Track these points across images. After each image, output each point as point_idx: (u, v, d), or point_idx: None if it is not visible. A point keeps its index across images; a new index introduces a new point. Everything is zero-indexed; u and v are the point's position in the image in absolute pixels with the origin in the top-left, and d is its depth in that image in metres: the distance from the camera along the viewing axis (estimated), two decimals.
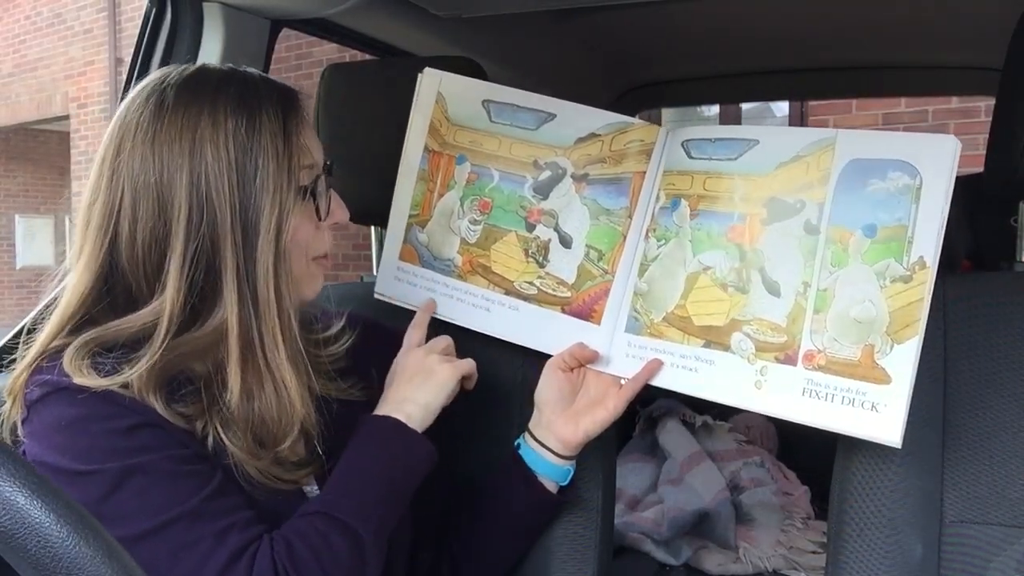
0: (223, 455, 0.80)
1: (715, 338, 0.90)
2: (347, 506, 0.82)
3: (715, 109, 4.25)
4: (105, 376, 0.76)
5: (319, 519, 0.81)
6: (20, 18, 9.00)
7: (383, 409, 0.91)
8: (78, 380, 0.75)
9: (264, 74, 0.87)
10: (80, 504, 0.71)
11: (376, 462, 0.86)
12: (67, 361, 0.76)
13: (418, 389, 0.91)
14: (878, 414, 0.82)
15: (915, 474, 0.92)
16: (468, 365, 0.95)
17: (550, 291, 1.00)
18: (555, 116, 1.00)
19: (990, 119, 1.01)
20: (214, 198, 0.79)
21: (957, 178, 0.83)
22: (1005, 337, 0.93)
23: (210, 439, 0.79)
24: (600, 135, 0.98)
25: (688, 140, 0.95)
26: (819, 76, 2.14)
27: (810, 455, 1.69)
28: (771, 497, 1.73)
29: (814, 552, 1.63)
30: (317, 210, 0.85)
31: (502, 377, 1.01)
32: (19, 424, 0.78)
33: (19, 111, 9.21)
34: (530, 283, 1.01)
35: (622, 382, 0.96)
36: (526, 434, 0.98)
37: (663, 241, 0.94)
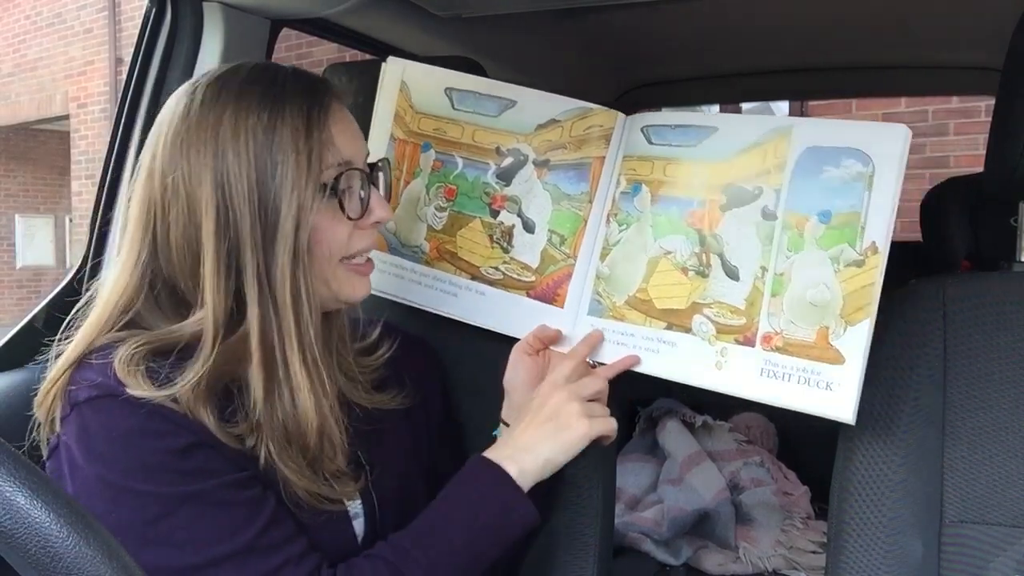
0: (273, 475, 0.79)
1: (676, 321, 0.92)
2: (419, 562, 0.79)
3: (715, 109, 4.25)
4: (159, 386, 0.74)
5: (385, 569, 0.79)
6: (20, 18, 9.00)
7: (500, 450, 0.87)
8: (133, 390, 0.74)
9: (298, 68, 0.86)
10: (125, 522, 0.72)
11: (466, 516, 0.83)
12: (120, 366, 0.75)
13: (545, 440, 0.86)
14: (832, 392, 0.84)
15: (915, 474, 0.92)
16: (608, 425, 0.88)
17: (515, 276, 1.01)
18: (516, 103, 1.01)
19: (990, 119, 1.01)
20: (235, 198, 0.78)
21: (957, 178, 0.83)
22: (1005, 337, 0.93)
23: (262, 459, 0.78)
24: (560, 121, 0.99)
25: (648, 126, 0.96)
26: (819, 76, 2.14)
27: (810, 455, 1.69)
28: (771, 497, 1.72)
29: (814, 552, 1.63)
30: (342, 207, 0.82)
31: (499, 372, 1.01)
32: (58, 420, 0.77)
33: (19, 111, 9.21)
34: (495, 268, 1.02)
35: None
36: (500, 423, 0.98)
37: (624, 226, 0.96)
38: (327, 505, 0.82)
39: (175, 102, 0.82)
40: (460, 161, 1.03)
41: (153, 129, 0.83)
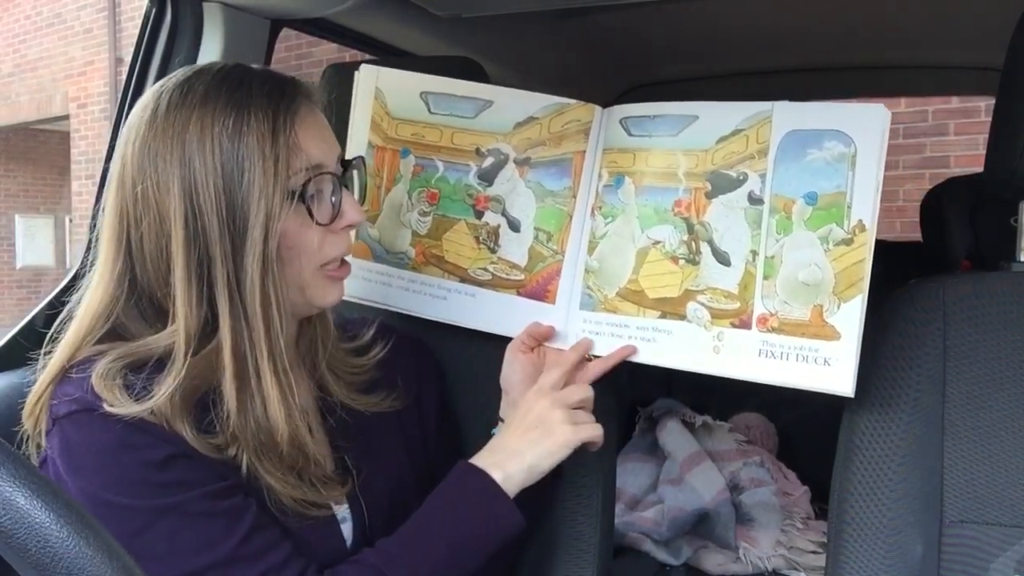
0: (256, 483, 0.78)
1: (670, 309, 0.93)
2: (404, 567, 0.79)
3: None
4: (136, 399, 0.74)
5: (371, 574, 0.79)
6: (20, 18, 8.99)
7: (486, 457, 0.87)
8: (110, 405, 0.73)
9: (267, 68, 0.84)
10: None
11: (451, 522, 0.83)
12: (97, 380, 0.74)
13: (530, 446, 0.86)
14: (830, 368, 0.86)
15: (915, 474, 0.92)
16: (593, 431, 0.88)
17: (504, 275, 1.01)
18: (492, 103, 1.01)
19: (990, 119, 1.00)
20: (203, 206, 0.77)
21: (958, 178, 0.83)
22: (1005, 337, 0.93)
23: (243, 467, 0.78)
24: (538, 118, 1.00)
25: (626, 118, 0.96)
26: (819, 76, 2.14)
27: (810, 455, 1.69)
28: (771, 497, 1.72)
29: (814, 552, 1.63)
30: (311, 213, 0.80)
31: (497, 372, 1.01)
32: (43, 434, 0.76)
33: (19, 111, 9.20)
34: (484, 269, 1.02)
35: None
36: (499, 423, 0.98)
37: (610, 218, 0.96)
38: (313, 511, 0.81)
39: (142, 107, 0.81)
40: (440, 164, 1.03)
41: (121, 136, 0.82)
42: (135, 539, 0.72)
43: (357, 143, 1.06)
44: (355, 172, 0.89)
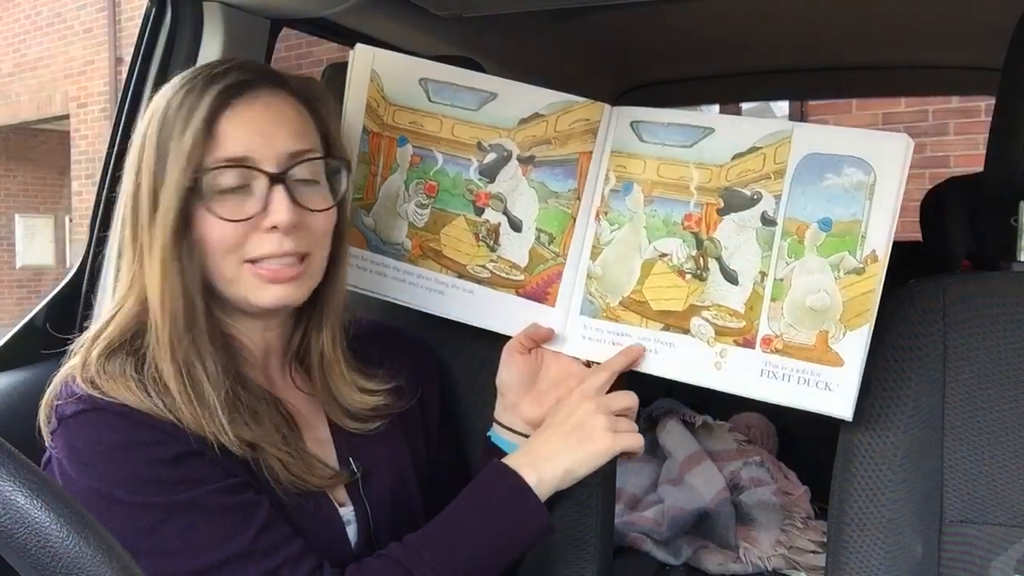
0: (263, 478, 0.78)
1: (674, 322, 0.92)
2: (430, 565, 0.78)
3: (715, 109, 4.25)
4: (142, 392, 0.74)
5: (395, 569, 0.78)
6: (20, 17, 8.99)
7: (521, 457, 0.86)
8: (122, 399, 0.73)
9: (262, 64, 0.84)
10: (118, 533, 0.71)
11: (481, 522, 0.82)
12: (102, 379, 0.74)
13: (568, 451, 0.85)
14: (831, 392, 0.86)
15: (915, 474, 0.92)
16: (634, 441, 0.88)
17: (503, 274, 0.99)
18: (496, 96, 0.99)
19: (990, 119, 1.00)
20: (142, 184, 0.80)
21: (957, 178, 0.83)
22: (1005, 337, 0.92)
23: (248, 459, 0.78)
24: (544, 115, 0.97)
25: (638, 122, 0.95)
26: (819, 76, 2.14)
27: (810, 455, 1.69)
28: (771, 497, 1.72)
29: (814, 552, 1.63)
30: (211, 206, 0.78)
31: (496, 372, 1.01)
32: (48, 433, 0.76)
33: (19, 111, 9.20)
34: (483, 267, 1.00)
35: (584, 361, 0.95)
36: (494, 424, 0.97)
37: (616, 226, 0.95)
38: (311, 486, 0.81)
39: None
40: (440, 156, 1.00)
41: None
42: (148, 535, 0.72)
43: (352, 127, 1.03)
44: (339, 172, 0.86)
